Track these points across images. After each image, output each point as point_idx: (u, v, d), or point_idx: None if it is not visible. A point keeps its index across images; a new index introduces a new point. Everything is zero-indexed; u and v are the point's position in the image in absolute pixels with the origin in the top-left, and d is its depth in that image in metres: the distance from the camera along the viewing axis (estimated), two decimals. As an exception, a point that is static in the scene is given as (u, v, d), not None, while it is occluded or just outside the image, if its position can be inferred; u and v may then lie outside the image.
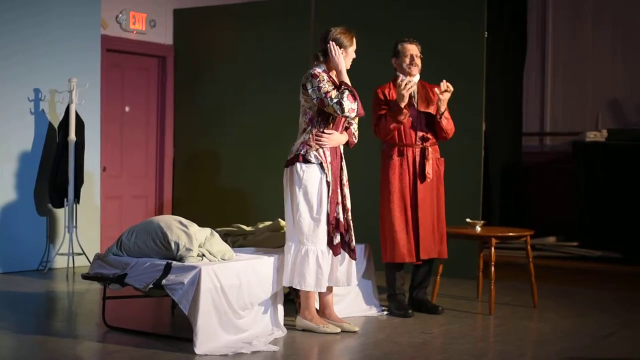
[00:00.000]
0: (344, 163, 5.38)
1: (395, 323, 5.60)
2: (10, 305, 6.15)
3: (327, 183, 5.21)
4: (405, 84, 5.62)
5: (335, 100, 5.09)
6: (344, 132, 5.33)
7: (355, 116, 5.23)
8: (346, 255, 5.35)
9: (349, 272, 5.40)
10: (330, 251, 5.27)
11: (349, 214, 5.36)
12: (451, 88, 5.77)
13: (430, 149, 5.81)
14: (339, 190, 5.30)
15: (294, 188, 5.18)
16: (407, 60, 5.83)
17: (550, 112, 10.35)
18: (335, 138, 5.26)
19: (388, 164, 5.85)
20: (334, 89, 5.14)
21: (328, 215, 5.22)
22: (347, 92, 5.10)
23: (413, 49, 5.84)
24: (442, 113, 5.80)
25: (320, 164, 5.20)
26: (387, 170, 5.85)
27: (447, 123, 5.85)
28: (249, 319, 5.00)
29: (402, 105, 5.65)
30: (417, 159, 5.81)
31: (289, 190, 5.22)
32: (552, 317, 5.90)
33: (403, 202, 5.81)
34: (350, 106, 5.10)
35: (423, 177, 5.79)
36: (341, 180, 5.33)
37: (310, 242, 5.19)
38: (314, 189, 5.18)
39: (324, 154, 5.21)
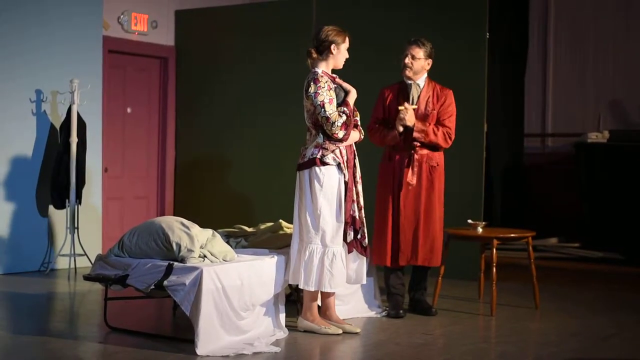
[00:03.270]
0: (357, 160, 5.39)
1: (397, 324, 5.60)
2: (11, 306, 6.16)
3: (345, 183, 5.23)
4: (402, 115, 5.68)
5: (325, 115, 5.11)
6: (355, 129, 5.33)
7: (357, 141, 5.37)
8: (357, 252, 5.37)
9: (360, 270, 5.41)
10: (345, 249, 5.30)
11: (362, 211, 5.37)
12: (407, 109, 5.70)
13: (417, 156, 5.77)
14: (354, 188, 5.31)
15: (314, 191, 5.16)
16: (402, 62, 5.83)
17: (551, 113, 10.34)
18: (352, 135, 5.27)
19: (380, 167, 5.91)
20: (330, 99, 5.14)
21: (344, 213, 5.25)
22: (342, 120, 5.12)
23: (410, 50, 5.79)
24: (411, 129, 5.71)
25: (338, 165, 5.20)
26: (379, 173, 5.90)
27: (423, 137, 5.71)
28: (250, 319, 5.00)
29: (396, 132, 5.73)
30: (403, 166, 5.80)
31: (307, 193, 5.19)
32: (553, 318, 5.90)
33: (385, 207, 5.81)
34: (338, 132, 5.12)
35: (403, 185, 5.77)
36: (355, 177, 5.34)
37: (336, 244, 5.21)
38: (334, 190, 5.20)
39: (341, 153, 5.22)
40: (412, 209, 5.79)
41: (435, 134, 5.75)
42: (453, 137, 5.86)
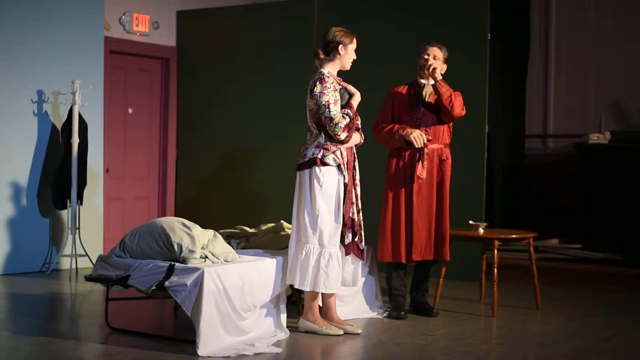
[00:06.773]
0: (356, 162, 5.39)
1: (398, 325, 5.60)
2: (13, 307, 6.16)
3: (345, 185, 5.23)
4: (415, 136, 5.71)
5: (329, 115, 5.10)
6: (356, 132, 5.33)
7: (358, 145, 5.37)
8: (354, 255, 5.35)
9: (356, 272, 5.41)
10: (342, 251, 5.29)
11: (360, 214, 5.37)
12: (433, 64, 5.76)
13: (427, 150, 5.79)
14: (353, 191, 5.31)
15: (313, 191, 5.16)
16: (423, 61, 5.85)
17: (553, 114, 10.34)
18: (354, 138, 5.27)
19: (387, 164, 5.90)
20: (335, 100, 5.15)
21: (343, 215, 5.24)
22: (345, 121, 5.12)
23: (434, 51, 5.84)
24: (436, 80, 5.75)
25: (339, 166, 5.20)
26: (387, 170, 5.89)
27: (445, 90, 5.72)
28: (251, 320, 5.01)
29: (403, 136, 5.75)
30: (414, 160, 5.81)
31: (306, 193, 5.19)
32: (554, 319, 5.90)
33: (397, 203, 5.81)
34: (340, 133, 5.12)
35: (414, 179, 5.79)
36: (354, 180, 5.34)
37: (332, 245, 5.20)
38: (333, 191, 5.19)
39: (341, 154, 5.22)
40: (426, 204, 5.81)
41: (454, 94, 5.77)
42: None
